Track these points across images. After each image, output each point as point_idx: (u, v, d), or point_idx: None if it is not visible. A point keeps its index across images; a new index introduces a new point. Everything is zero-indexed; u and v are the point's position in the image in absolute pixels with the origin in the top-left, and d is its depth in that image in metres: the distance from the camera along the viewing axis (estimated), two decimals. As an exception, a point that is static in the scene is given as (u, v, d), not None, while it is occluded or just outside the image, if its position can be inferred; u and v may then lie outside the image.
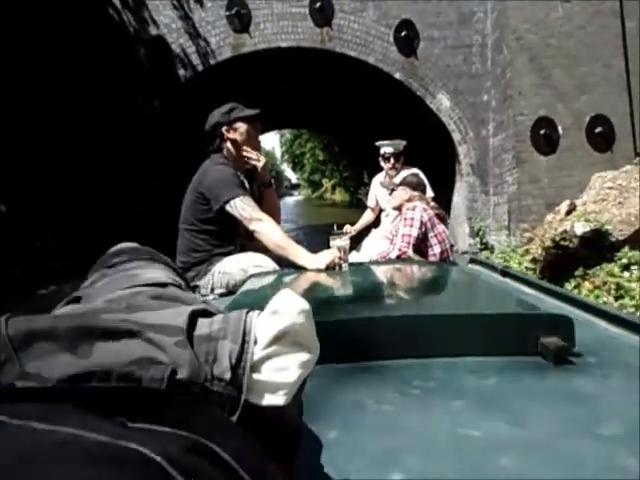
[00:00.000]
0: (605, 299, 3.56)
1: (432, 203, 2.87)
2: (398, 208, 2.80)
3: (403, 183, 2.82)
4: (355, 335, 0.85)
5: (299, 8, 5.91)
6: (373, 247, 3.07)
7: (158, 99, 6.07)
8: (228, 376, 0.38)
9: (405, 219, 2.58)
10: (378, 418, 0.65)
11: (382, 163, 3.55)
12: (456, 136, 5.96)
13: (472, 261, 1.90)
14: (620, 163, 5.06)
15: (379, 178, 3.64)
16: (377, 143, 3.58)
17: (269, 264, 1.89)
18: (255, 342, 0.40)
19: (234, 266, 1.91)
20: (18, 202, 5.32)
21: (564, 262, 4.10)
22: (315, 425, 0.60)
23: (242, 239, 2.01)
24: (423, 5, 5.86)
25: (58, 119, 5.61)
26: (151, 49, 6.07)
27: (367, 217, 3.84)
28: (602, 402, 0.68)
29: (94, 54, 5.88)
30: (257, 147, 2.20)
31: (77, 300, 0.54)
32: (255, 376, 0.39)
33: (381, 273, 1.71)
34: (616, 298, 3.53)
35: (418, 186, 2.83)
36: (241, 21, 5.95)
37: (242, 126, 2.11)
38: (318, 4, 5.86)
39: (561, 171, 5.18)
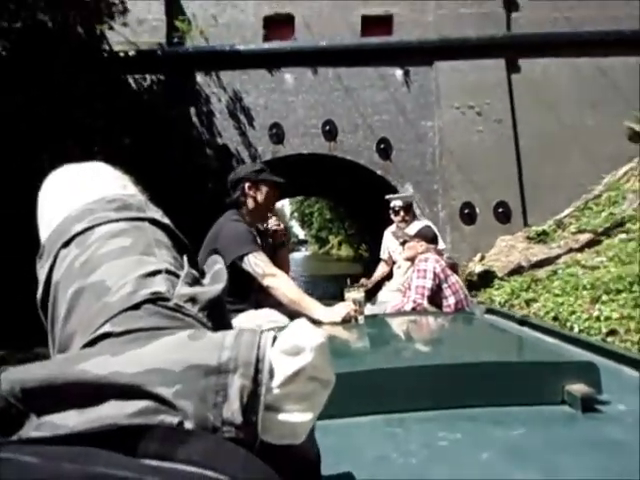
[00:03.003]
0: (484, 307, 6.50)
1: (445, 254, 2.96)
2: (411, 259, 2.78)
3: (418, 235, 2.81)
4: (377, 387, 0.82)
5: (315, 129, 9.18)
6: (387, 300, 3.09)
7: (220, 186, 9.25)
8: (239, 420, 0.35)
9: (418, 270, 2.55)
10: (405, 472, 0.63)
11: (392, 216, 3.56)
12: (417, 211, 9.05)
13: (488, 311, 1.86)
14: (514, 231, 8.10)
15: (390, 230, 3.65)
16: (387, 197, 3.67)
17: (283, 320, 1.85)
18: (271, 375, 0.37)
19: (248, 323, 1.82)
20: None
21: (468, 288, 7.04)
22: None
23: (256, 295, 2.00)
24: (395, 129, 9.12)
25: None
26: (219, 153, 9.31)
27: (381, 270, 3.83)
28: (636, 450, 0.64)
29: (181, 156, 9.13)
30: (272, 211, 2.34)
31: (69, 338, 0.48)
32: (269, 416, 0.37)
33: (398, 325, 1.69)
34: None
35: (434, 239, 2.84)
36: (278, 137, 9.21)
37: (265, 188, 2.19)
38: (327, 127, 9.15)
39: (478, 236, 8.20)
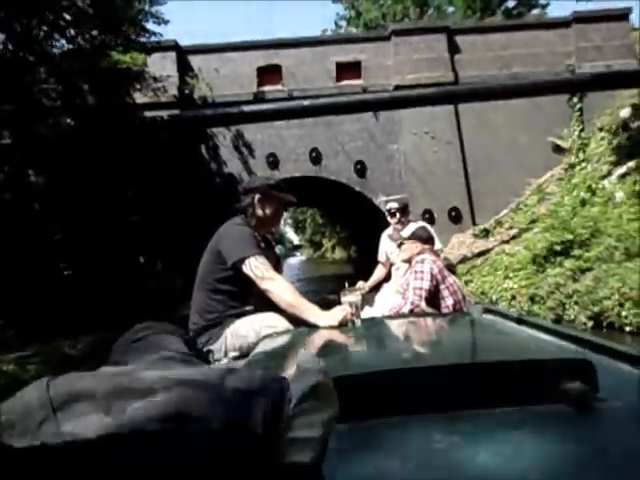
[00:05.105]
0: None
1: (441, 255, 2.94)
2: (408, 261, 2.82)
3: (413, 237, 2.82)
4: (374, 390, 0.82)
5: (304, 156, 11.35)
6: (385, 302, 3.12)
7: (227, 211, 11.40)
8: (261, 439, 0.39)
9: (415, 272, 2.57)
10: (404, 477, 0.63)
11: (388, 218, 3.59)
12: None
13: (486, 311, 1.87)
14: (465, 230, 10.30)
15: (387, 233, 3.66)
16: (383, 199, 4.01)
17: (282, 324, 1.87)
18: (289, 401, 0.42)
19: (247, 328, 1.89)
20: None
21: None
22: None
23: (256, 299, 2.00)
24: (368, 152, 11.31)
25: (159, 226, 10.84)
26: (226, 180, 11.44)
27: (379, 272, 3.84)
28: (634, 448, 0.65)
29: (190, 183, 11.23)
30: (277, 225, 2.42)
31: (116, 364, 0.56)
32: (285, 433, 0.40)
33: (395, 327, 1.71)
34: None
35: (428, 239, 2.86)
36: (274, 164, 11.36)
37: (274, 204, 2.20)
38: (313, 154, 11.32)
39: (437, 235, 10.34)
